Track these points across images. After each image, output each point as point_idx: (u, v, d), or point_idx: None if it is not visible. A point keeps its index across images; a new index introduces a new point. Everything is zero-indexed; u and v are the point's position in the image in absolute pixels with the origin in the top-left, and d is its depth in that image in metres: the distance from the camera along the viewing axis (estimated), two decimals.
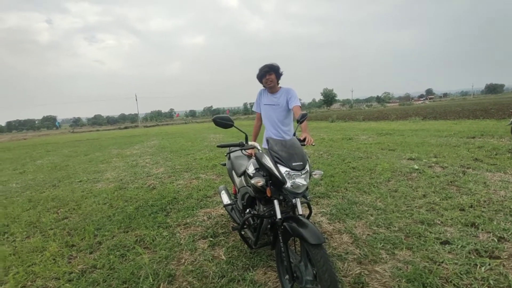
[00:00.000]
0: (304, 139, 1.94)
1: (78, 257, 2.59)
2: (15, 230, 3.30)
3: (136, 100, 70.01)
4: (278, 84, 2.67)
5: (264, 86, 2.70)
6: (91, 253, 2.65)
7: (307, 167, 1.65)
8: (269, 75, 2.56)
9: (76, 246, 2.80)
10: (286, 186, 1.59)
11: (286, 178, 1.59)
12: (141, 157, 8.79)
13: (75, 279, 2.24)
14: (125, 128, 50.85)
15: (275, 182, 1.64)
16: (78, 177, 6.16)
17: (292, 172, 1.59)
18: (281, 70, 2.60)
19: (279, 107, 2.64)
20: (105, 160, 8.59)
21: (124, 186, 5.08)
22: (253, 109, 2.94)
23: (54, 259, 2.57)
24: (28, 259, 2.61)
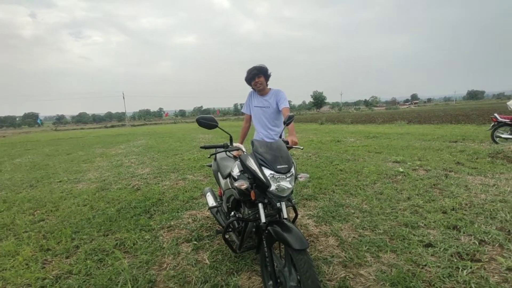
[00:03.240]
0: (289, 142, 1.91)
1: (53, 262, 2.45)
2: None
3: (124, 98, 68.39)
4: (267, 85, 2.64)
5: (253, 89, 2.67)
6: (67, 257, 2.52)
7: (292, 170, 1.62)
8: (258, 77, 2.53)
9: (51, 250, 2.65)
10: (270, 189, 1.55)
11: (270, 181, 1.55)
12: (126, 156, 8.54)
13: (48, 285, 2.11)
14: (112, 126, 49.57)
15: (259, 185, 1.60)
16: (58, 177, 5.90)
17: (276, 175, 1.55)
18: (269, 71, 2.58)
19: (270, 109, 2.63)
20: (88, 160, 8.29)
21: (106, 186, 4.90)
22: (242, 111, 2.90)
23: (27, 264, 2.42)
24: None
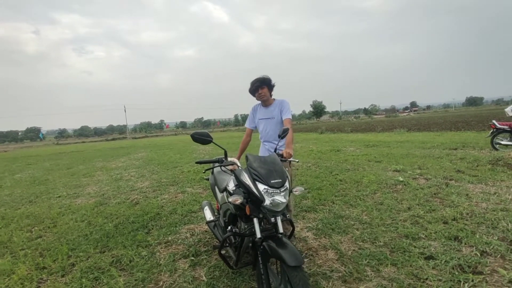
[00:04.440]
0: (284, 155, 1.91)
1: (48, 281, 2.41)
2: None
3: (125, 111, 69.03)
4: (271, 96, 2.66)
5: (257, 100, 2.69)
6: (63, 276, 2.48)
7: (287, 184, 1.62)
8: (261, 89, 2.55)
9: (47, 269, 2.61)
10: (264, 204, 1.54)
11: (264, 195, 1.55)
12: (126, 170, 8.54)
13: None
14: (113, 139, 49.78)
15: (254, 200, 1.59)
16: (57, 192, 5.89)
17: (270, 190, 1.55)
18: (273, 82, 2.60)
19: (275, 120, 2.63)
20: (88, 174, 8.29)
21: (105, 201, 4.88)
22: (245, 125, 2.89)
23: (22, 284, 2.38)
24: None
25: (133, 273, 2.43)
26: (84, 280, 2.33)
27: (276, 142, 2.66)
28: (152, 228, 3.43)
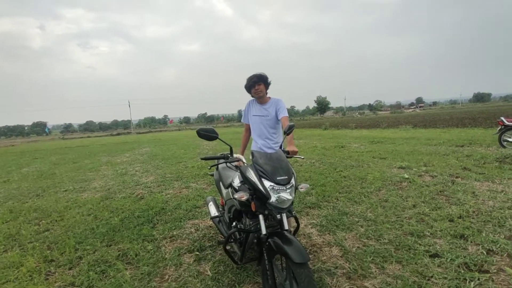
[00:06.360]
0: (289, 152, 1.91)
1: (56, 273, 2.46)
2: None
3: (129, 106, 69.40)
4: (266, 94, 2.65)
5: (252, 96, 2.68)
6: (70, 269, 2.53)
7: (293, 181, 1.61)
8: (258, 85, 2.54)
9: (55, 261, 2.66)
10: (270, 201, 1.54)
11: (270, 192, 1.54)
12: (131, 165, 8.62)
13: None
14: (117, 134, 50.16)
15: (259, 197, 1.59)
16: (64, 186, 5.97)
17: (276, 187, 1.55)
18: (269, 80, 2.59)
19: (269, 118, 2.62)
20: (94, 168, 8.38)
21: (111, 196, 4.94)
22: (242, 121, 2.89)
23: (30, 276, 2.43)
24: (3, 275, 2.46)
25: (139, 266, 2.46)
26: (91, 273, 2.37)
27: (269, 140, 2.64)
28: (157, 223, 3.47)
